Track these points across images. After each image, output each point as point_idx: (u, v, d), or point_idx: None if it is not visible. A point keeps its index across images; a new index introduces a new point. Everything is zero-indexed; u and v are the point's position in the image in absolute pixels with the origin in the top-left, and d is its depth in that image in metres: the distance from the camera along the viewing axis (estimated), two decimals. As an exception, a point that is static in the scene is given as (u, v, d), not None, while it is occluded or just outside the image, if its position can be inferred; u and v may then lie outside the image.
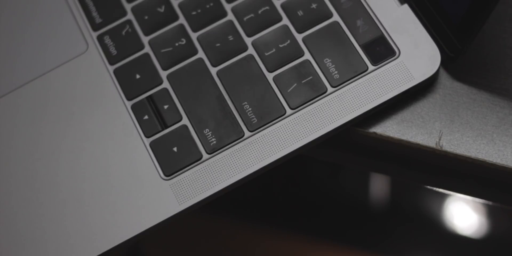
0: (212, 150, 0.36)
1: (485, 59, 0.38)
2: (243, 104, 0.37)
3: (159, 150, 0.37)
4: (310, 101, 0.36)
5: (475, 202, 0.94)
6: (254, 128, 0.36)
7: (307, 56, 0.37)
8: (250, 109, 0.37)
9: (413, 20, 0.37)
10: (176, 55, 0.39)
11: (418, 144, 0.37)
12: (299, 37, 0.38)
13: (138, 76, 0.39)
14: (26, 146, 0.39)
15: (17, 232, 0.37)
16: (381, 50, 0.37)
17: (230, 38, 0.38)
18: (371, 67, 0.36)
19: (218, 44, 0.38)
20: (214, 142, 0.36)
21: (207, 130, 0.37)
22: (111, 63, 0.39)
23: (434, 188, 0.79)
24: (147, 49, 0.39)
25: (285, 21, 0.38)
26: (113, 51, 0.40)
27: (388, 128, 0.37)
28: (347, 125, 0.36)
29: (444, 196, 0.94)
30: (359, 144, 0.39)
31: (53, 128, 0.39)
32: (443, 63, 0.37)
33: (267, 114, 0.36)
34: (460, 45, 0.35)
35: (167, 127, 0.37)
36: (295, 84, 0.37)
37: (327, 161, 0.86)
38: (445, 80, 0.38)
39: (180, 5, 0.40)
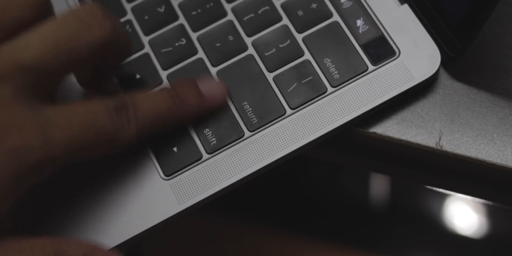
0: (212, 150, 0.36)
1: (485, 59, 0.38)
2: (243, 104, 0.37)
3: (160, 150, 0.37)
4: (310, 101, 0.36)
5: (475, 202, 0.94)
6: (254, 128, 0.36)
7: (307, 56, 0.37)
8: (250, 109, 0.37)
9: (413, 20, 0.37)
10: (176, 55, 0.39)
11: (418, 144, 0.37)
12: (299, 37, 0.38)
13: (138, 76, 0.39)
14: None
15: None
16: (381, 50, 0.37)
17: (230, 38, 0.38)
18: (371, 67, 0.36)
19: (218, 44, 0.38)
20: (214, 142, 0.36)
21: (207, 130, 0.37)
22: (111, 63, 0.39)
23: (434, 188, 0.79)
24: (147, 49, 0.39)
25: (285, 21, 0.38)
26: (113, 51, 0.40)
27: (388, 128, 0.37)
28: (347, 125, 0.36)
29: (444, 196, 0.94)
30: (359, 144, 0.39)
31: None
32: (443, 63, 0.37)
33: (267, 114, 0.36)
34: (460, 45, 0.35)
35: (167, 127, 0.37)
36: (295, 84, 0.37)
37: (327, 161, 0.86)
38: (445, 80, 0.38)
39: (180, 5, 0.40)
